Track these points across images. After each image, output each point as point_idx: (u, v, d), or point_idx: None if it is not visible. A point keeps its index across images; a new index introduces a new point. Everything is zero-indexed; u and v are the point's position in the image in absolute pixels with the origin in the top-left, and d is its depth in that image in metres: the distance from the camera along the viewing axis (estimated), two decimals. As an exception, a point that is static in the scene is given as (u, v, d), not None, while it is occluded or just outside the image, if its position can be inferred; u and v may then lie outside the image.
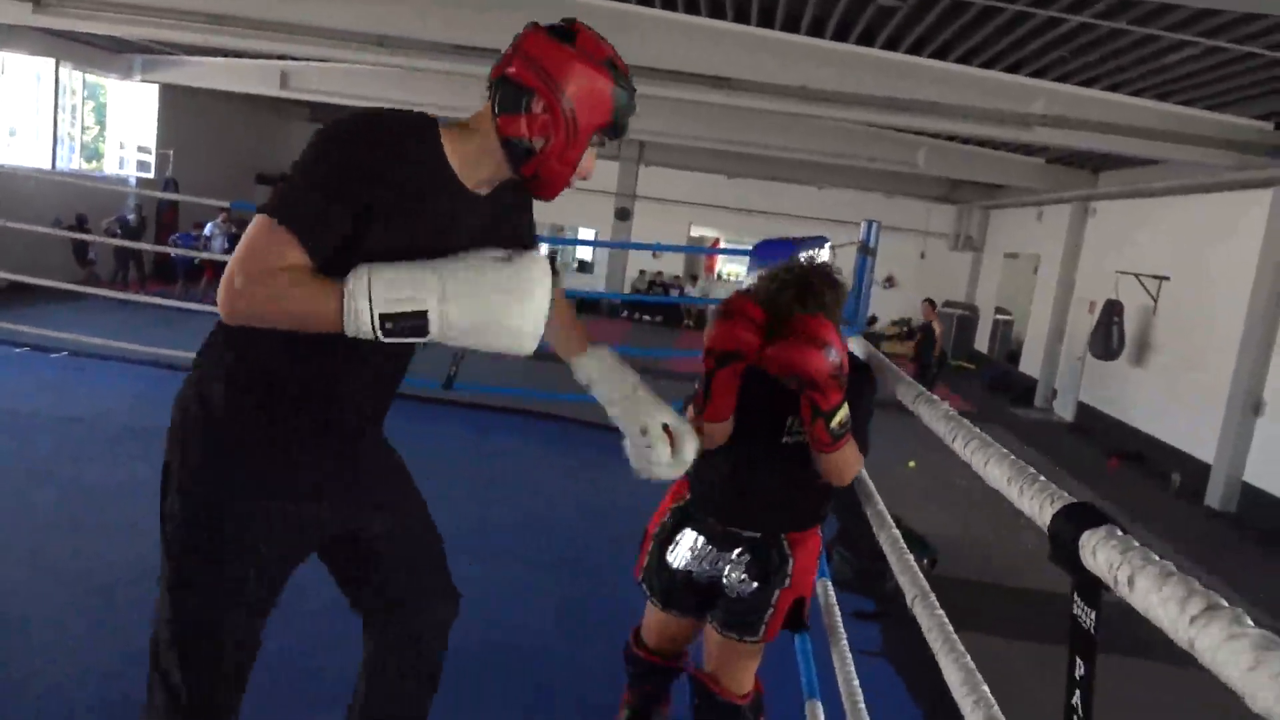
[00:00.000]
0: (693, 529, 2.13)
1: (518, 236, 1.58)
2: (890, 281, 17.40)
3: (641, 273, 17.96)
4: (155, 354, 5.45)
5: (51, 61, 11.40)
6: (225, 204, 6.15)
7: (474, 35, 7.54)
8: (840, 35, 7.62)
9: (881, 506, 1.64)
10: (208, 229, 11.82)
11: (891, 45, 7.66)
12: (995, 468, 0.98)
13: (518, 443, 5.87)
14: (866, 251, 5.15)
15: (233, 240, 11.40)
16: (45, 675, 2.47)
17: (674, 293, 17.79)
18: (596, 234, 17.78)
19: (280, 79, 12.01)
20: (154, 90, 13.31)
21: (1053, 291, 13.00)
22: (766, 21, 7.55)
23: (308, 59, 11.28)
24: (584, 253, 19.00)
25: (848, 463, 1.87)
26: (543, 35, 1.41)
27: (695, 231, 18.14)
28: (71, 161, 12.38)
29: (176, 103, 13.65)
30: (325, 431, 1.49)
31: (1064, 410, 12.26)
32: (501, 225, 1.53)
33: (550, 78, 1.38)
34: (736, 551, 2.07)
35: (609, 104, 1.42)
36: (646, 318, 17.33)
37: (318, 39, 8.17)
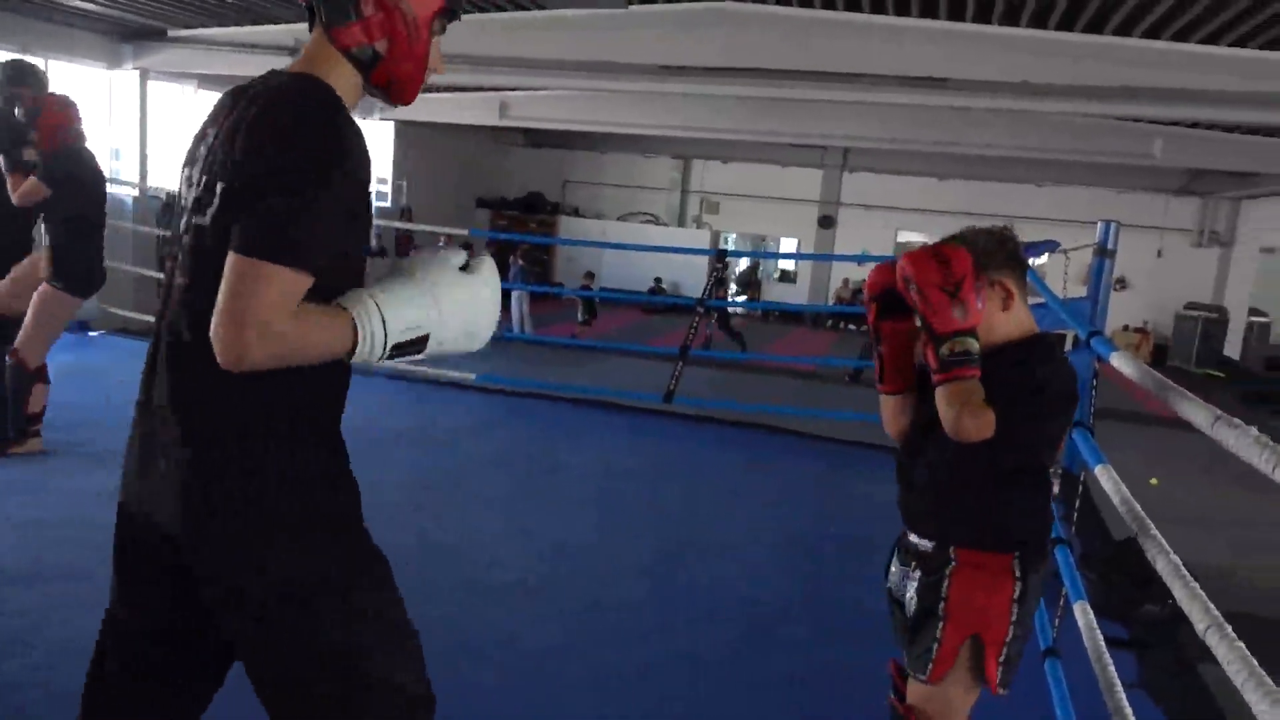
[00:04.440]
0: (900, 540, 1.90)
1: None
2: (1121, 284, 16.09)
3: (845, 281, 17.59)
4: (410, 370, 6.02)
5: (306, 107, 12.75)
6: (452, 230, 6.70)
7: (674, 55, 7.74)
8: (1066, 25, 7.17)
9: (1155, 531, 1.55)
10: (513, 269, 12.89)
11: (1124, 31, 7.12)
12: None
13: (740, 456, 5.94)
14: (1104, 254, 4.83)
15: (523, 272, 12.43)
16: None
17: (881, 300, 17.28)
18: (799, 243, 17.61)
19: (500, 108, 12.79)
20: (389, 127, 14.54)
21: (1322, 289, 11.55)
22: (984, 17, 7.23)
23: (525, 89, 11.93)
24: (786, 261, 18.86)
25: (959, 405, 1.61)
26: None
27: (903, 237, 17.56)
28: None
29: (409, 137, 14.85)
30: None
31: (1338, 423, 10.85)
32: None
33: None
34: (913, 565, 1.81)
35: None
36: (852, 327, 16.96)
37: (533, 70, 8.67)
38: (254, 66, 9.03)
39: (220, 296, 1.20)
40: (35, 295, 4.30)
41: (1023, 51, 7.22)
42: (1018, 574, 1.68)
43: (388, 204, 14.75)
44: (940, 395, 1.64)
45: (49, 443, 4.47)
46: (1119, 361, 1.76)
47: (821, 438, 6.08)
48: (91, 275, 4.46)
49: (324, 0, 1.33)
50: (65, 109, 4.44)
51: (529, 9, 7.81)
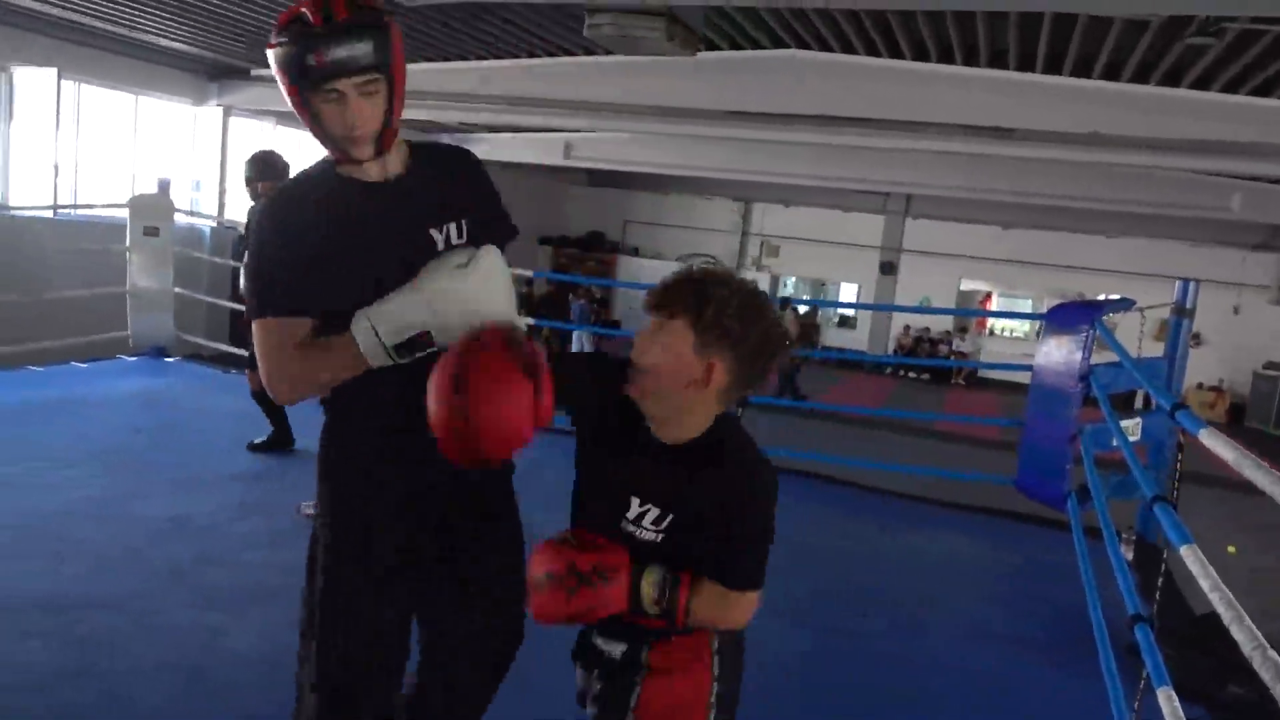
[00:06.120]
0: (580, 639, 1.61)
1: (449, 204, 1.63)
2: (1196, 340, 15.58)
3: (906, 328, 17.37)
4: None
5: (377, 144, 13.13)
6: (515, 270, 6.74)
7: (740, 101, 7.78)
8: (1140, 78, 7.06)
9: (1249, 621, 1.46)
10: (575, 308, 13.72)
11: (1202, 85, 6.98)
12: None
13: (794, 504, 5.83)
14: (1183, 313, 4.68)
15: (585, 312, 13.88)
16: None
17: (942, 349, 17.04)
18: (859, 289, 17.48)
19: (564, 149, 13.00)
20: (455, 164, 14.94)
21: None
22: (1054, 68, 7.15)
23: (589, 130, 12.12)
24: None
25: (723, 618, 1.45)
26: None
27: (966, 285, 17.32)
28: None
29: (474, 175, 15.20)
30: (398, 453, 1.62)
31: None
32: (424, 196, 1.61)
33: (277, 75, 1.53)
34: (595, 674, 1.55)
35: (282, 67, 1.50)
36: (912, 375, 16.68)
37: (600, 113, 8.80)
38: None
39: None
40: None
41: (1094, 103, 7.11)
42: (716, 672, 1.48)
43: (451, 240, 15.12)
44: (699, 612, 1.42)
45: (107, 466, 4.55)
46: (1209, 440, 1.68)
47: (879, 490, 5.95)
48: None
49: None
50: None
51: (597, 54, 7.94)
